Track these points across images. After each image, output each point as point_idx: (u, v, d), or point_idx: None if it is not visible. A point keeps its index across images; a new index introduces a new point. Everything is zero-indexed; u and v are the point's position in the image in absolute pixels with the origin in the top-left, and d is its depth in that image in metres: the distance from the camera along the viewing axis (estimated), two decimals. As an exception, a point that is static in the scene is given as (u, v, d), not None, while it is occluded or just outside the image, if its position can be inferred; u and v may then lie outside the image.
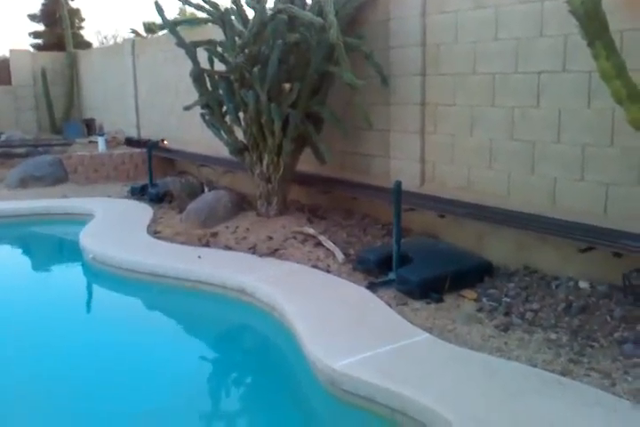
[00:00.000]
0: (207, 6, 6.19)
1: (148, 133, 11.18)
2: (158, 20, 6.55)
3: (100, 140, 10.03)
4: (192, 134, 9.33)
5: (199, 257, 5.45)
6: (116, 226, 6.80)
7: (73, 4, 17.70)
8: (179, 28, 6.67)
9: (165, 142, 9.94)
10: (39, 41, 17.84)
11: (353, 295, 4.45)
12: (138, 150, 9.92)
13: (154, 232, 6.41)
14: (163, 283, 5.24)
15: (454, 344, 3.58)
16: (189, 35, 7.43)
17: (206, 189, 7.47)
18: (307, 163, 6.57)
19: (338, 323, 3.96)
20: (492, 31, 4.99)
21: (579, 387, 3.05)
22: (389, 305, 4.21)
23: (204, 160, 8.76)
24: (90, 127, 12.54)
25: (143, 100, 11.38)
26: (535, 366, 3.28)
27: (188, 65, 6.51)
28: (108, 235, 6.41)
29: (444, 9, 5.37)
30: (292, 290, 4.56)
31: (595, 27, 3.29)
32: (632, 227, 4.05)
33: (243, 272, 4.99)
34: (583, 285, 4.17)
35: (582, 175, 4.46)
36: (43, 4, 17.57)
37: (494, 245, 4.95)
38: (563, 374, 3.17)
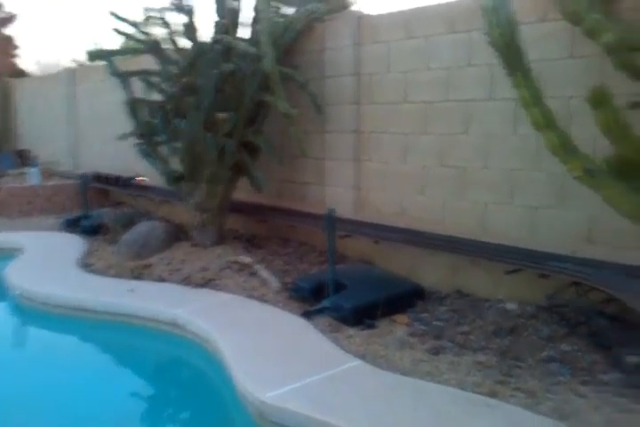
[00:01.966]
0: (140, 36, 6.16)
1: (85, 164, 10.92)
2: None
3: (33, 172, 9.73)
4: (129, 164, 9.15)
5: (131, 290, 5.27)
6: (45, 260, 6.54)
7: (6, 32, 17.37)
8: (120, 58, 6.60)
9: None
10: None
11: (287, 324, 4.38)
12: (71, 181, 9.60)
13: (85, 265, 6.19)
14: (92, 318, 5.04)
15: (386, 370, 3.53)
16: (127, 64, 7.37)
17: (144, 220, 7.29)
18: (243, 191, 6.52)
19: (270, 353, 3.87)
20: (423, 61, 5.12)
21: (506, 408, 3.04)
22: (323, 333, 4.15)
23: (140, 190, 8.58)
24: (23, 158, 12.16)
25: (81, 130, 11.15)
26: (465, 388, 3.27)
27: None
28: (35, 269, 6.15)
29: (376, 39, 5.49)
30: (224, 321, 4.45)
31: (513, 57, 3.41)
32: (558, 248, 4.13)
33: (175, 305, 4.85)
34: (511, 306, 4.21)
35: (511, 199, 4.56)
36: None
37: (428, 269, 4.97)
38: (490, 395, 3.17)
